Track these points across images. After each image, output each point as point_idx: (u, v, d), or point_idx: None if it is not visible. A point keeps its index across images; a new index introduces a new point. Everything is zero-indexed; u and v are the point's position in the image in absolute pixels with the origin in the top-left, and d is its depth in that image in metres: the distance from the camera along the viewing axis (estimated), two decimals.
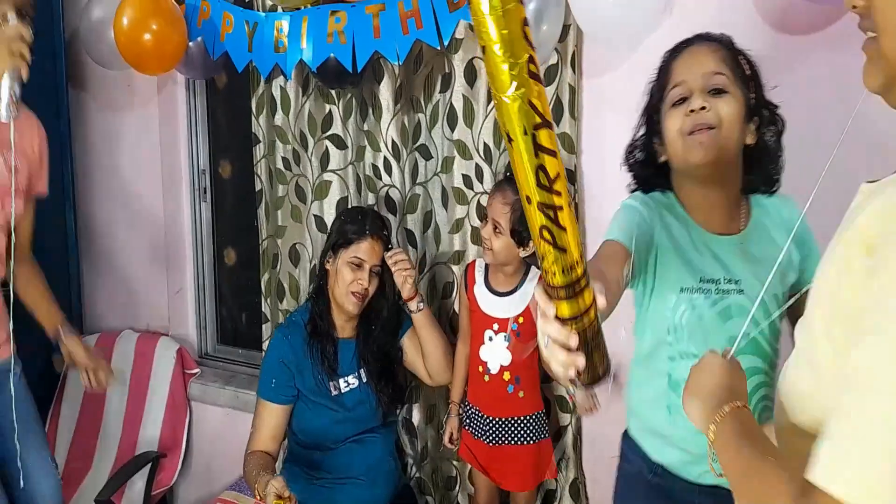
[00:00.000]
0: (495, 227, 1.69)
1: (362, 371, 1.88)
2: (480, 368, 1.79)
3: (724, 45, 1.14)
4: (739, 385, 0.91)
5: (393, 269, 1.80)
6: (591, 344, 0.75)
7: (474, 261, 1.87)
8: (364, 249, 1.79)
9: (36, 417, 1.84)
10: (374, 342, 1.88)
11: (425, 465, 2.08)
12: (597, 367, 0.78)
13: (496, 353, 1.78)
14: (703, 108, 1.08)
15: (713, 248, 1.16)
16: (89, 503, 2.18)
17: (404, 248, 2.00)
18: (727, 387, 0.89)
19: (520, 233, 1.66)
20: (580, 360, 0.73)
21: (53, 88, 2.41)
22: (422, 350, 1.88)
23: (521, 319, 1.76)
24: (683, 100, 1.11)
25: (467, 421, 1.83)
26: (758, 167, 1.18)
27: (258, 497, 1.63)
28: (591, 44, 1.78)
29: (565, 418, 1.91)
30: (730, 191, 1.17)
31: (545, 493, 1.96)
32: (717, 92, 1.09)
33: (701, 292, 1.13)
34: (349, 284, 1.78)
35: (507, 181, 1.72)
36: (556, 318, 0.72)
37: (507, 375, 1.77)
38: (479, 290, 1.81)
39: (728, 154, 1.10)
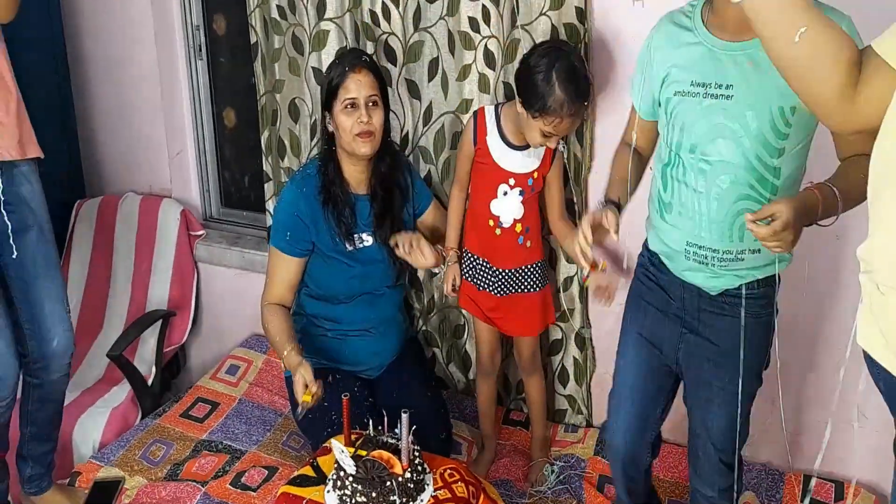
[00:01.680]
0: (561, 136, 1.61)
1: (379, 230, 1.85)
2: (491, 223, 1.73)
3: None
4: None
5: (406, 255, 1.77)
6: None
7: (483, 107, 1.75)
8: (351, 86, 1.70)
9: (55, 260, 1.83)
10: (386, 196, 1.83)
11: (432, 317, 2.10)
12: None
13: (511, 207, 1.72)
14: None
15: (714, 54, 1.22)
16: (102, 359, 2.25)
17: (406, 98, 1.92)
18: None
19: None
20: None
21: None
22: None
23: (535, 174, 1.71)
24: None
25: (472, 272, 1.80)
26: None
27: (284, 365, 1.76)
28: None
29: (571, 269, 1.91)
30: None
31: (551, 343, 1.99)
32: None
33: (689, 95, 1.24)
34: (351, 129, 1.72)
35: (571, 100, 1.52)
36: None
37: (518, 227, 1.74)
38: (493, 140, 1.70)
39: None
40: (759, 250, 1.25)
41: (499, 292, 1.78)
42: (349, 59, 1.75)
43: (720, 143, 1.22)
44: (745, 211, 1.17)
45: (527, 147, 1.69)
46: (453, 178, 1.83)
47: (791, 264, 1.34)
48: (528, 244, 1.77)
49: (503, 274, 1.77)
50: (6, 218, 1.67)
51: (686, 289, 1.35)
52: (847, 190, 1.13)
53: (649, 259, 1.39)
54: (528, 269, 1.78)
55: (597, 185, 1.85)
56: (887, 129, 0.77)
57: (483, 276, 1.79)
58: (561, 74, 1.51)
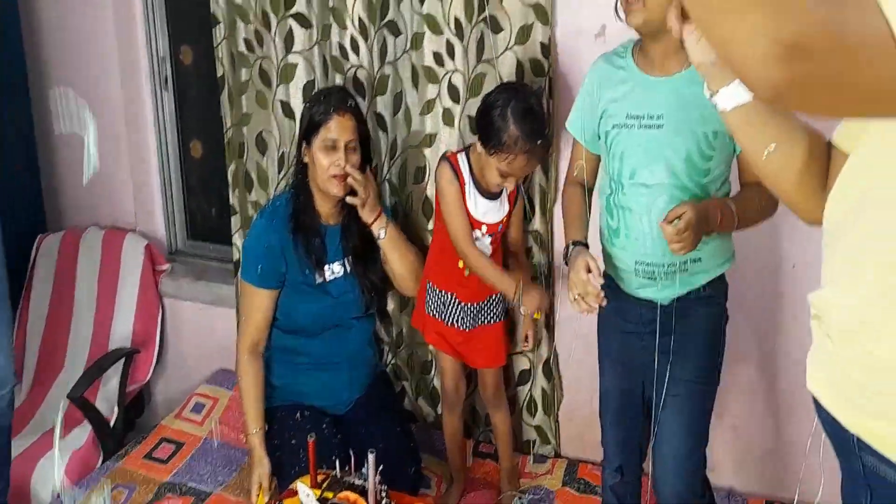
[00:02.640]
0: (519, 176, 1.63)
1: (348, 259, 1.85)
2: (461, 264, 1.72)
3: None
4: None
5: (355, 197, 1.74)
6: None
7: (455, 155, 1.71)
8: (333, 128, 1.71)
9: (3, 294, 1.78)
10: (358, 227, 1.82)
11: (400, 350, 2.08)
12: None
13: (482, 249, 1.72)
14: None
15: (645, 88, 1.34)
16: (62, 400, 2.18)
17: (374, 132, 1.93)
18: None
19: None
20: None
21: None
22: (390, 268, 1.85)
23: (504, 220, 1.73)
24: None
25: (439, 308, 1.78)
26: None
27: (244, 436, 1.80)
28: None
29: None
30: (666, 37, 1.24)
31: (519, 373, 1.99)
32: None
33: (626, 127, 1.35)
34: (327, 169, 1.72)
35: (527, 139, 1.53)
36: None
37: None
38: (470, 189, 1.68)
39: (659, 17, 1.19)
40: (699, 259, 1.37)
41: (466, 326, 1.77)
42: (335, 100, 1.73)
43: (655, 167, 1.35)
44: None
45: (499, 196, 1.70)
46: (457, 238, 1.69)
47: (749, 288, 1.42)
48: None
49: (470, 308, 1.77)
50: None
51: (641, 304, 1.43)
52: (744, 211, 1.32)
53: (607, 284, 1.43)
54: (493, 300, 1.79)
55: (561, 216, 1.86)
56: (838, 193, 0.79)
57: (450, 311, 1.78)
58: (517, 112, 1.53)
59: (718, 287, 1.45)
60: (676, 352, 1.40)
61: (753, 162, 0.92)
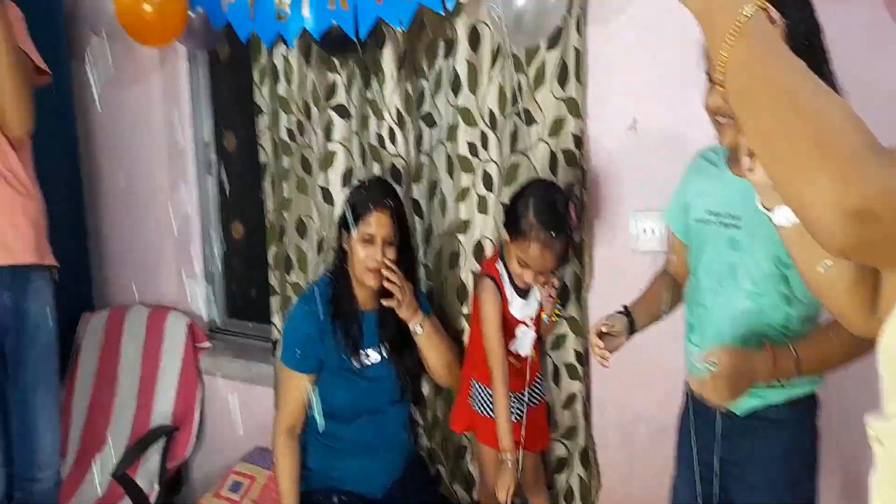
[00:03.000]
0: (541, 271, 1.65)
1: (384, 345, 1.88)
2: (512, 360, 1.76)
3: None
4: None
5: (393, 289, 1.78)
6: None
7: (491, 264, 1.75)
8: (372, 223, 1.76)
9: (54, 375, 1.87)
10: (395, 314, 1.85)
11: (435, 434, 2.09)
12: None
13: (528, 341, 1.77)
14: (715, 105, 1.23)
15: (732, 187, 1.29)
16: (105, 478, 2.22)
17: (409, 218, 1.98)
18: None
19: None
20: None
21: (54, 62, 2.37)
22: (425, 360, 1.89)
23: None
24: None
25: (488, 406, 1.78)
26: None
27: None
28: (596, 4, 1.74)
29: (574, 385, 1.91)
30: None
31: (556, 460, 1.97)
32: None
33: (705, 223, 1.33)
34: (364, 261, 1.77)
35: (543, 229, 1.59)
36: None
37: (533, 353, 1.80)
38: (512, 297, 1.73)
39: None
40: None
41: (516, 416, 1.78)
42: (376, 196, 1.78)
43: (730, 268, 1.29)
44: (760, 335, 1.23)
45: (530, 289, 1.75)
46: (491, 358, 1.70)
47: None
48: (535, 359, 1.82)
49: (522, 396, 1.79)
50: (8, 337, 1.74)
51: (717, 413, 1.34)
52: (819, 358, 1.19)
53: (688, 384, 1.41)
54: (535, 383, 1.82)
55: (596, 303, 1.87)
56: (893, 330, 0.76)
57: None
58: (538, 202, 1.61)
59: (804, 407, 1.31)
60: (743, 477, 1.32)
61: (803, 274, 0.90)
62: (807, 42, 1.11)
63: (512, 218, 1.65)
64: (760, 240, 1.25)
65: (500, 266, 1.73)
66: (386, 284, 1.77)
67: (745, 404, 1.30)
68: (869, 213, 0.56)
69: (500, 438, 1.69)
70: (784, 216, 0.91)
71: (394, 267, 1.78)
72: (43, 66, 1.86)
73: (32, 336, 1.80)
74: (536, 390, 1.84)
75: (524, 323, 1.76)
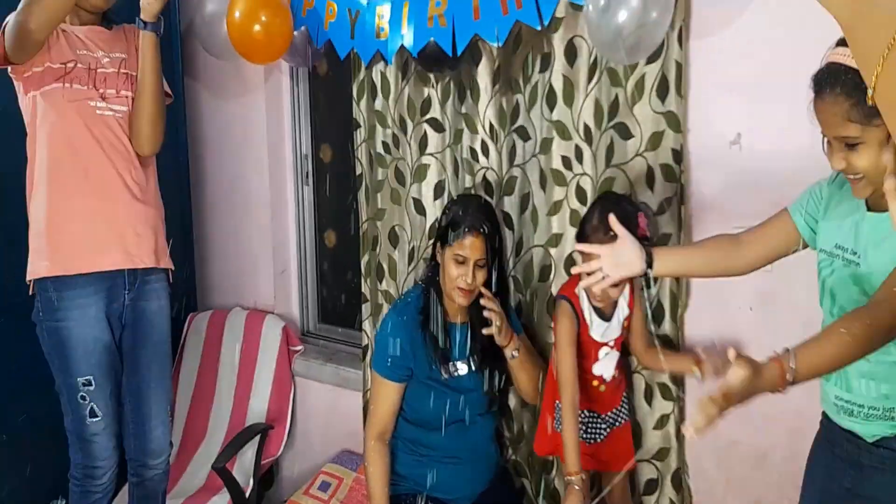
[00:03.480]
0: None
1: (473, 358, 1.91)
2: (595, 383, 1.76)
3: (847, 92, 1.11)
4: None
5: (492, 329, 1.81)
6: None
7: (572, 289, 1.72)
8: (466, 246, 1.78)
9: (167, 371, 2.01)
10: (483, 329, 1.87)
11: (521, 447, 2.08)
12: None
13: (611, 363, 1.76)
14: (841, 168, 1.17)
15: (858, 222, 1.24)
16: (205, 469, 2.35)
17: (501, 231, 1.99)
18: None
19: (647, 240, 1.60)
20: None
21: (170, 78, 2.55)
22: (515, 379, 1.92)
23: (626, 324, 1.76)
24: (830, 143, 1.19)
25: (580, 429, 1.76)
26: None
27: None
28: (700, 17, 1.71)
29: (667, 406, 1.86)
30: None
31: (646, 482, 1.92)
32: (851, 146, 1.14)
33: (833, 256, 1.27)
34: (455, 280, 1.80)
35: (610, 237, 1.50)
36: None
37: (616, 373, 1.78)
38: (593, 320, 1.73)
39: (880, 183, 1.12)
40: None
41: (601, 436, 1.78)
42: (473, 220, 1.77)
43: (854, 303, 1.23)
44: (876, 371, 1.20)
45: (613, 313, 1.74)
46: (561, 381, 1.70)
47: None
48: (621, 381, 1.80)
49: (607, 417, 1.78)
50: (125, 332, 1.92)
51: (845, 437, 1.30)
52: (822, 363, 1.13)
53: (823, 413, 1.36)
54: (623, 401, 1.81)
55: (693, 321, 1.83)
56: None
57: (587, 426, 1.78)
58: (602, 208, 1.63)
59: None
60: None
61: None
62: None
63: (581, 228, 1.69)
64: (878, 275, 1.18)
65: (581, 294, 1.72)
66: (486, 314, 1.80)
67: (874, 430, 1.24)
68: None
69: (567, 462, 1.67)
70: None
71: (491, 296, 1.81)
72: (168, 90, 2.01)
73: (148, 333, 1.95)
74: (623, 410, 1.82)
75: (607, 345, 1.74)
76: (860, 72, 0.66)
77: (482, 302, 1.81)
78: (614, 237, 1.44)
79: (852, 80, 1.09)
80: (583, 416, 1.78)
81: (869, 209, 1.22)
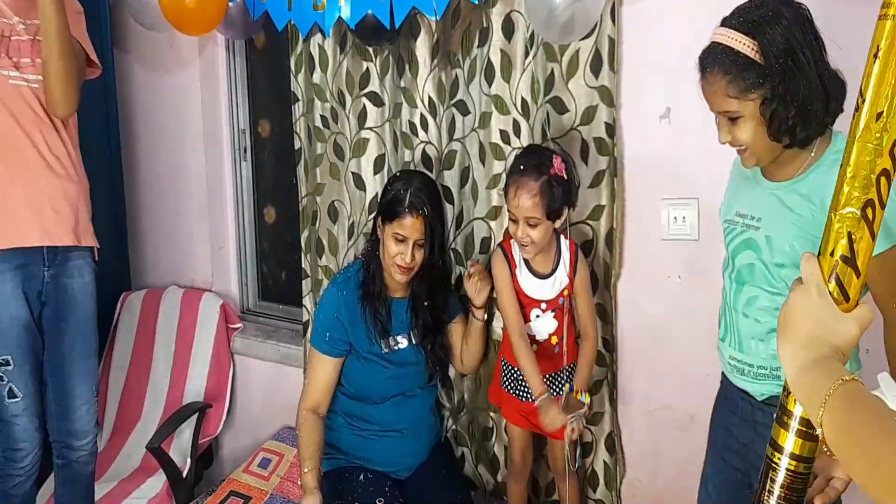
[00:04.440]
0: (529, 222, 1.65)
1: (413, 332, 1.92)
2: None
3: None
4: (840, 331, 0.75)
5: (468, 282, 1.86)
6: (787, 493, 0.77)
7: (508, 241, 1.79)
8: (406, 226, 1.78)
9: (92, 349, 1.95)
10: (424, 303, 1.90)
11: (461, 417, 2.12)
12: None
13: (545, 325, 1.78)
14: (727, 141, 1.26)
15: (757, 190, 1.32)
16: (140, 450, 2.30)
17: (442, 207, 2.00)
18: (822, 338, 0.74)
19: (555, 209, 1.64)
20: None
21: (99, 50, 2.45)
22: (464, 347, 1.96)
23: (564, 293, 1.77)
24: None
25: (514, 385, 1.82)
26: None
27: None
28: None
29: (601, 372, 1.93)
30: (780, 151, 1.25)
31: (581, 446, 1.99)
32: (733, 120, 1.23)
33: (733, 224, 1.35)
34: (394, 257, 1.81)
35: (521, 174, 1.65)
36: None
37: (554, 340, 1.80)
38: (522, 274, 1.77)
39: (767, 153, 1.25)
40: None
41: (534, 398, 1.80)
42: (410, 201, 1.78)
43: (747, 266, 1.32)
44: (770, 332, 1.26)
45: (552, 274, 1.77)
46: (508, 325, 1.77)
47: None
48: (565, 349, 1.80)
49: (544, 379, 1.79)
50: (45, 309, 1.85)
51: (739, 395, 1.38)
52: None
53: (722, 373, 1.44)
54: (564, 370, 1.82)
55: (626, 291, 1.89)
56: None
57: (524, 386, 1.80)
58: (522, 152, 1.74)
59: None
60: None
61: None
62: (781, 60, 1.15)
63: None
64: (775, 238, 1.26)
65: (515, 246, 1.77)
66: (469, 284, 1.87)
67: (762, 388, 1.33)
68: None
69: (532, 386, 1.71)
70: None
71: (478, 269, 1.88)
72: (95, 59, 1.93)
73: (71, 310, 1.88)
74: (569, 376, 1.81)
75: (539, 307, 1.77)
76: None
77: (465, 274, 1.86)
78: (524, 171, 1.62)
79: (729, 58, 1.18)
80: (518, 373, 1.81)
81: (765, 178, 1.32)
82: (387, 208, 1.82)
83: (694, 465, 1.55)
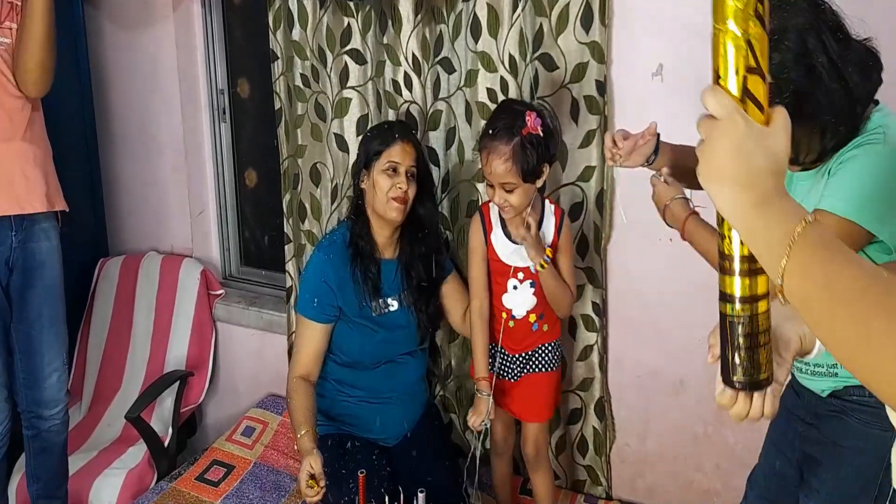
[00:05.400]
0: (505, 188, 1.58)
1: (403, 294, 1.87)
2: (504, 315, 1.71)
3: None
4: (772, 147, 0.66)
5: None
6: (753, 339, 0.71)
7: (487, 203, 1.72)
8: (396, 152, 1.74)
9: (60, 316, 1.89)
10: (416, 260, 1.84)
11: (449, 383, 2.09)
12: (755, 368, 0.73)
13: (523, 299, 1.70)
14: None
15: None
16: (120, 420, 2.25)
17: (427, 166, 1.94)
18: (761, 167, 0.65)
19: (532, 170, 1.56)
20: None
21: (68, 7, 2.35)
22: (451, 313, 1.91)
23: (544, 265, 1.65)
24: None
25: (490, 361, 1.75)
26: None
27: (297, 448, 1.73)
28: None
29: (591, 337, 1.90)
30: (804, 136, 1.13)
31: (570, 411, 1.97)
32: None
33: None
34: (388, 191, 1.74)
35: (491, 137, 1.57)
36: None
37: (532, 318, 1.72)
38: (498, 237, 1.69)
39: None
40: None
41: (513, 377, 1.75)
42: (399, 129, 1.79)
43: None
44: None
45: None
46: (471, 296, 1.74)
47: None
48: (545, 328, 1.74)
49: (518, 358, 1.75)
50: (13, 276, 1.78)
51: (805, 392, 1.33)
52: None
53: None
54: (543, 349, 1.75)
55: (616, 255, 1.85)
56: None
57: (496, 362, 1.74)
58: (494, 111, 1.65)
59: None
60: (824, 450, 1.28)
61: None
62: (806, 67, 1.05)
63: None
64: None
65: (493, 209, 1.71)
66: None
67: (822, 385, 1.26)
68: None
69: (475, 367, 1.71)
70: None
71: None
72: None
73: (38, 275, 1.82)
74: (541, 359, 1.75)
75: (516, 277, 1.69)
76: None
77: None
78: (494, 134, 1.56)
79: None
80: (491, 348, 1.75)
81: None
82: (371, 146, 1.77)
83: (684, 430, 1.53)
